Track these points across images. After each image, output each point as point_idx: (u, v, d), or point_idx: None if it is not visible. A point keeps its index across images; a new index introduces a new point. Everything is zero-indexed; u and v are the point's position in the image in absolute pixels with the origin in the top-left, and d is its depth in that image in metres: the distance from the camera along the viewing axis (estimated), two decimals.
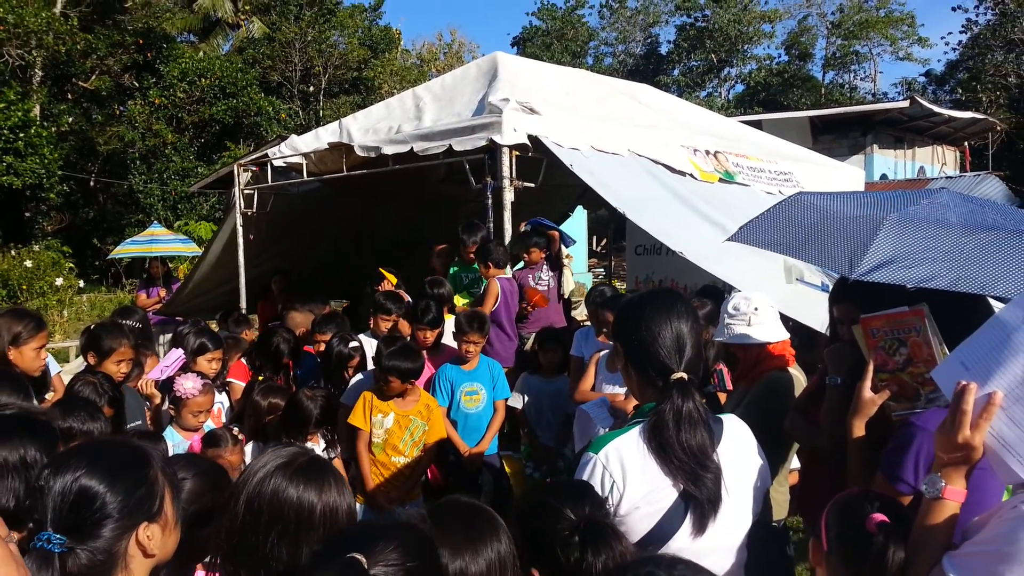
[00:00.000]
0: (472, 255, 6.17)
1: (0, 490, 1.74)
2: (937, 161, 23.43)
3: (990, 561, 1.56)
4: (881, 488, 1.99)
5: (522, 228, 6.33)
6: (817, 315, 4.48)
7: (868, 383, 2.30)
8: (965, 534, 1.74)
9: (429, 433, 4.40)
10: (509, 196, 5.86)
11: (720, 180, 6.80)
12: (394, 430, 4.33)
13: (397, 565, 1.28)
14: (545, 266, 6.29)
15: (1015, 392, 1.67)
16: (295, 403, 3.97)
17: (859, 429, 2.31)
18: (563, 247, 6.55)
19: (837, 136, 20.19)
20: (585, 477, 1.95)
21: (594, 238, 24.14)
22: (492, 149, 5.85)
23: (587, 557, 1.70)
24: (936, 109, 20.43)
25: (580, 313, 10.07)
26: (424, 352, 5.09)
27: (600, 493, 1.91)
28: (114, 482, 1.49)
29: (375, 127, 6.96)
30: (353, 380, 4.82)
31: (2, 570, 0.91)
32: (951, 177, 20.11)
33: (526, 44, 47.79)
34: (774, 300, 3.72)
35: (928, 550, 1.73)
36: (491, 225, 6.20)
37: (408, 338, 4.84)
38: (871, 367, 2.31)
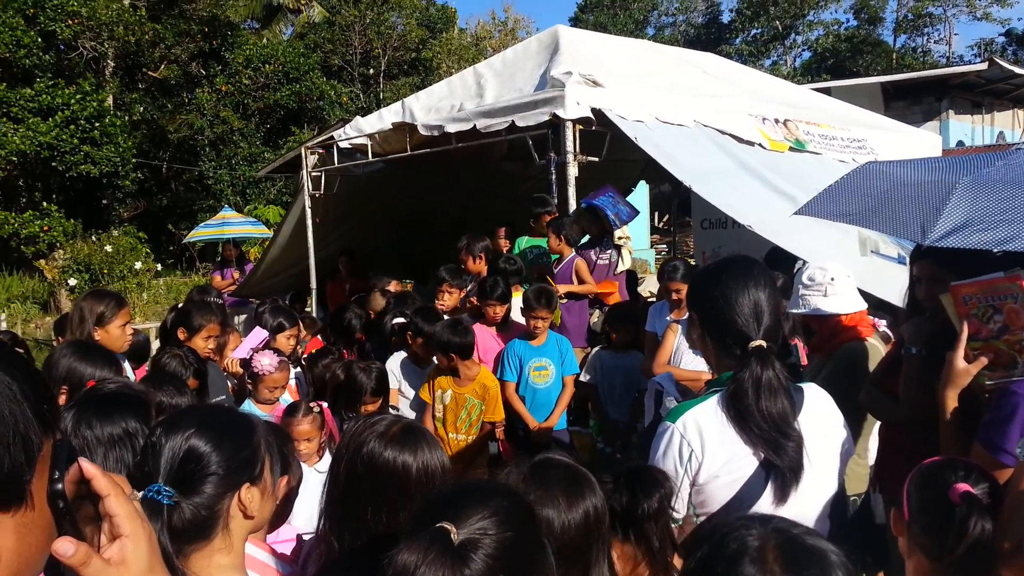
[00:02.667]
0: (545, 226, 6.16)
1: (110, 460, 1.83)
2: (1018, 125, 22.37)
3: None
4: (980, 459, 1.93)
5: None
6: (894, 288, 4.35)
7: (961, 352, 2.22)
8: None
9: (486, 411, 4.48)
10: (573, 171, 5.82)
11: (791, 149, 6.64)
12: (451, 407, 4.46)
13: (492, 535, 1.25)
14: (607, 240, 6.28)
15: None
16: (350, 376, 4.08)
17: (952, 400, 2.24)
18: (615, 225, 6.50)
19: (910, 102, 19.43)
20: (663, 446, 1.95)
21: (656, 214, 23.85)
22: (555, 124, 5.81)
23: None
24: (1017, 70, 19.47)
25: (643, 289, 9.99)
26: (494, 328, 5.15)
27: (679, 462, 1.91)
28: (221, 442, 1.55)
29: (437, 106, 7.00)
30: (392, 357, 4.92)
31: (128, 524, 0.96)
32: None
33: (581, 19, 47.16)
34: (851, 272, 3.63)
35: (1019, 514, 1.69)
36: (555, 202, 6.19)
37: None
38: (964, 335, 2.23)
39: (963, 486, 1.74)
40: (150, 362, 3.81)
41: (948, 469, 1.82)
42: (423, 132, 6.87)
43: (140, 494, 1.41)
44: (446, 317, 5.27)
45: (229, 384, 4.40)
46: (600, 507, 1.63)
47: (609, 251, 6.29)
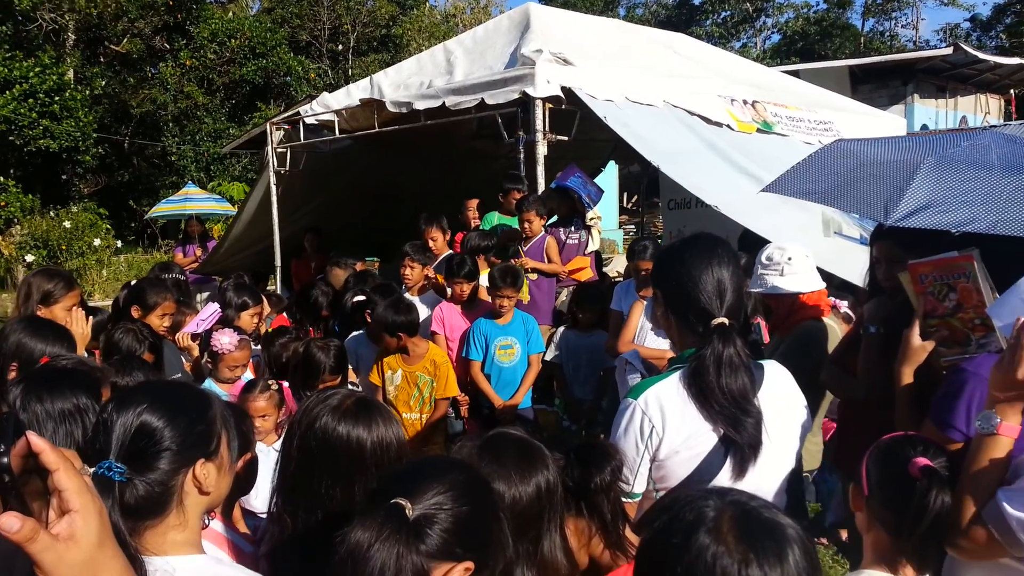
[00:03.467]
0: (515, 205, 6.15)
1: (60, 435, 1.79)
2: (980, 110, 22.73)
3: None
4: (930, 435, 1.97)
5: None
6: (855, 268, 4.41)
7: (917, 329, 2.26)
8: (1015, 470, 1.76)
9: (437, 388, 4.46)
10: (542, 150, 5.80)
11: (758, 130, 6.67)
12: (403, 386, 4.44)
13: (447, 510, 1.26)
14: (576, 220, 6.29)
15: None
16: (308, 353, 4.02)
17: (907, 376, 2.28)
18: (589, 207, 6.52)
19: (877, 86, 19.63)
20: (624, 422, 1.95)
21: (625, 195, 23.90)
22: (525, 102, 5.78)
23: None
24: (981, 55, 19.76)
25: (610, 269, 10.03)
26: (459, 306, 5.13)
27: (640, 437, 1.92)
28: (174, 417, 1.51)
29: (406, 83, 6.92)
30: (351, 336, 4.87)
31: (78, 498, 0.93)
32: (995, 126, 19.51)
33: None
34: (811, 253, 3.66)
35: (981, 486, 1.74)
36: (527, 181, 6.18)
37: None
38: (920, 313, 2.27)
39: (923, 460, 1.77)
40: (103, 338, 3.70)
41: (907, 444, 1.84)
42: (391, 109, 6.79)
43: (92, 470, 1.37)
44: (408, 294, 5.25)
45: (185, 362, 4.33)
46: (552, 480, 1.62)
47: (580, 231, 6.30)
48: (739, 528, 1.17)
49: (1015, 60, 21.59)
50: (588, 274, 6.26)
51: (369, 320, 4.73)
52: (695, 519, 1.20)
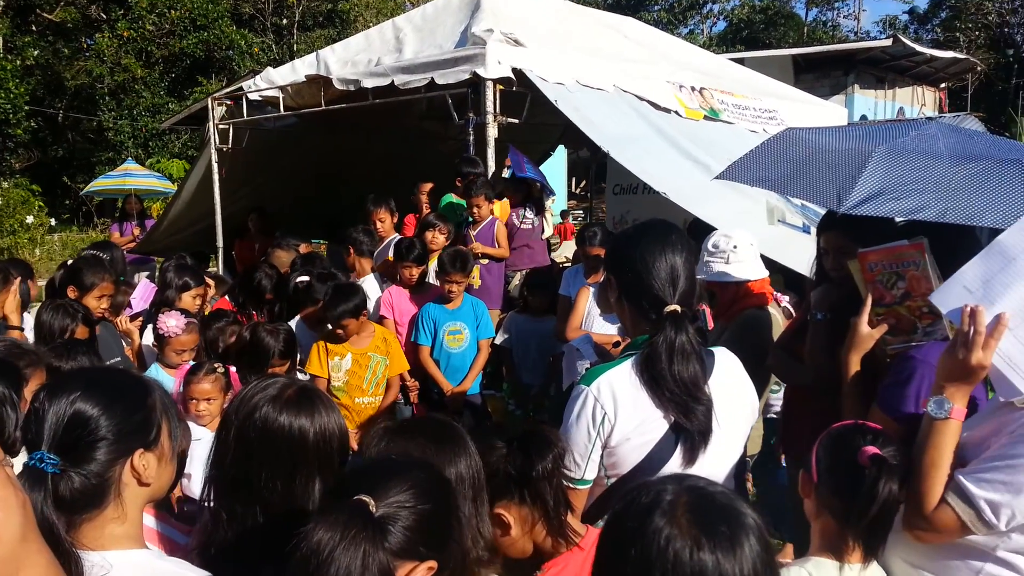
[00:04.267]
0: (463, 187, 6.11)
1: None
2: (917, 102, 23.40)
3: (1017, 471, 1.68)
4: (878, 422, 2.01)
5: (504, 172, 6.28)
6: (799, 256, 4.48)
7: (865, 317, 2.30)
8: (961, 449, 1.82)
9: (391, 366, 4.39)
10: (493, 132, 5.75)
11: (705, 118, 6.73)
12: (354, 370, 4.30)
13: (408, 508, 1.24)
14: (529, 206, 6.28)
15: (1022, 313, 1.75)
16: (255, 338, 3.94)
17: (855, 364, 2.32)
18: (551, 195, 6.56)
19: (819, 75, 20.05)
20: (576, 409, 1.95)
21: (573, 180, 23.97)
22: (475, 83, 5.72)
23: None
24: (918, 48, 20.31)
25: (558, 255, 10.05)
26: (408, 291, 5.08)
27: (592, 424, 1.91)
28: (110, 405, 1.46)
29: (354, 59, 6.78)
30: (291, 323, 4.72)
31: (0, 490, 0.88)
32: (930, 118, 20.10)
33: None
34: (755, 241, 3.71)
35: (939, 470, 1.79)
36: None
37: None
38: (869, 301, 2.30)
39: (872, 449, 1.80)
40: (34, 319, 3.56)
41: (857, 433, 1.87)
42: (338, 86, 6.65)
43: (15, 461, 1.31)
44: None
45: (126, 346, 4.20)
46: (472, 468, 1.58)
47: (534, 216, 6.30)
48: (693, 513, 1.18)
49: (949, 54, 22.28)
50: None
51: (320, 305, 4.60)
52: (651, 502, 1.21)
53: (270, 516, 1.63)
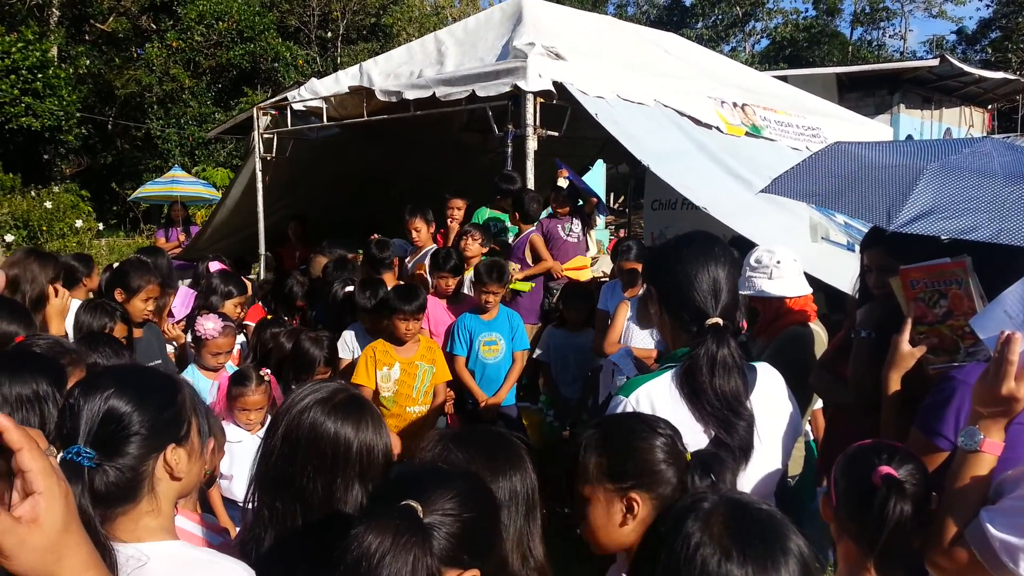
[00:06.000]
0: (504, 200, 6.13)
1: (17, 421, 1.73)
2: (964, 123, 22.94)
3: None
4: (916, 442, 1.95)
5: (560, 181, 6.27)
6: (842, 274, 4.40)
7: (906, 335, 2.22)
8: (998, 489, 1.72)
9: (436, 374, 4.38)
10: (532, 145, 5.77)
11: (747, 134, 6.68)
12: (404, 379, 4.27)
13: (453, 515, 1.25)
14: (576, 219, 6.26)
15: None
16: (299, 347, 3.97)
17: (895, 383, 2.25)
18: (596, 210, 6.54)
19: (863, 94, 19.75)
20: None
21: (611, 194, 23.91)
22: (516, 96, 5.75)
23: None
24: (967, 68, 19.92)
25: (596, 269, 9.99)
26: (443, 301, 5.09)
27: None
28: (142, 402, 1.49)
29: (396, 72, 6.86)
30: (344, 334, 4.69)
31: (43, 480, 0.89)
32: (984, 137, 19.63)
33: None
34: (798, 257, 3.66)
35: (964, 505, 1.70)
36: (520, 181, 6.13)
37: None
38: (910, 319, 2.24)
39: (885, 468, 1.73)
40: (73, 320, 3.63)
41: (872, 452, 1.81)
42: (381, 98, 6.73)
43: (59, 453, 1.34)
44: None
45: (171, 349, 4.26)
46: (528, 484, 1.57)
47: (578, 231, 6.27)
48: (729, 523, 1.17)
49: (999, 74, 21.84)
50: (588, 274, 6.26)
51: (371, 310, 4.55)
52: (688, 507, 1.23)
53: (309, 517, 1.65)
